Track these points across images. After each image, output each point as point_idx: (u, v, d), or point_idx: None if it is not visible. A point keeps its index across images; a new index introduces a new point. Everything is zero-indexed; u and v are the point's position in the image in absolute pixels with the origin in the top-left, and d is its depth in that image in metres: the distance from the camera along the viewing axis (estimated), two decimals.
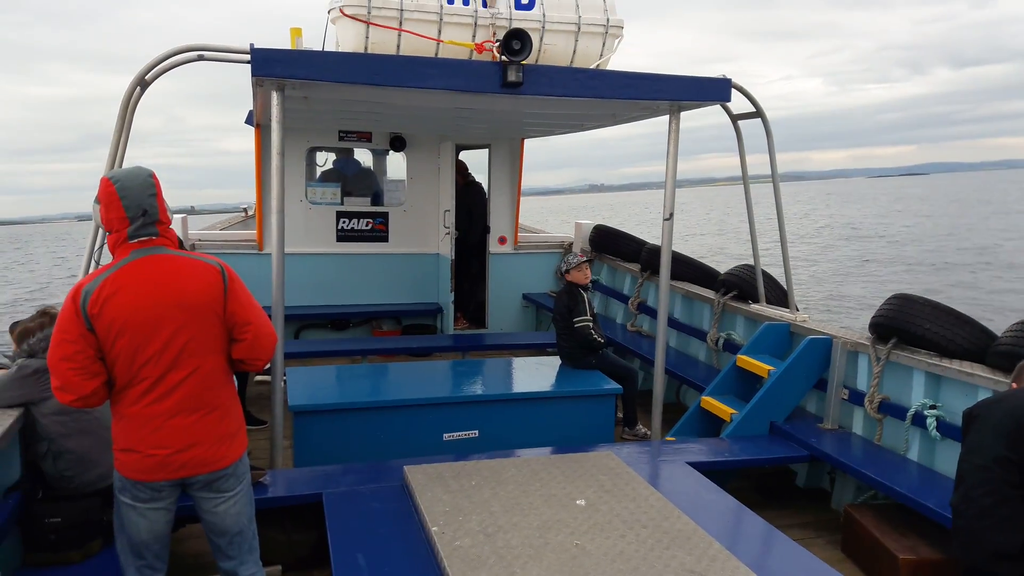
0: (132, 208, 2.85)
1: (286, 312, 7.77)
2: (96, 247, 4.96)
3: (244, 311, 3.00)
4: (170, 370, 2.84)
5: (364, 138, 8.94)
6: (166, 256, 2.92)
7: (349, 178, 9.21)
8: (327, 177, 9.27)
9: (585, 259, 6.49)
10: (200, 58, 5.09)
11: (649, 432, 6.15)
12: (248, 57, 4.31)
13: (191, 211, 6.05)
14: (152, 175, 2.93)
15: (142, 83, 5.04)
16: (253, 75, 4.31)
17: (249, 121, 8.46)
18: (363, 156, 9.64)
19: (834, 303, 20.13)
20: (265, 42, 4.76)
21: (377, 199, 9.21)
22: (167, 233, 2.97)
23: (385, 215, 9.12)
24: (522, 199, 9.72)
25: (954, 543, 1.96)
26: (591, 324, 6.22)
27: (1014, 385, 2.97)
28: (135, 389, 2.84)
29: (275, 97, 4.49)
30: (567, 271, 6.41)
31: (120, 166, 5.18)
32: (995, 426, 1.92)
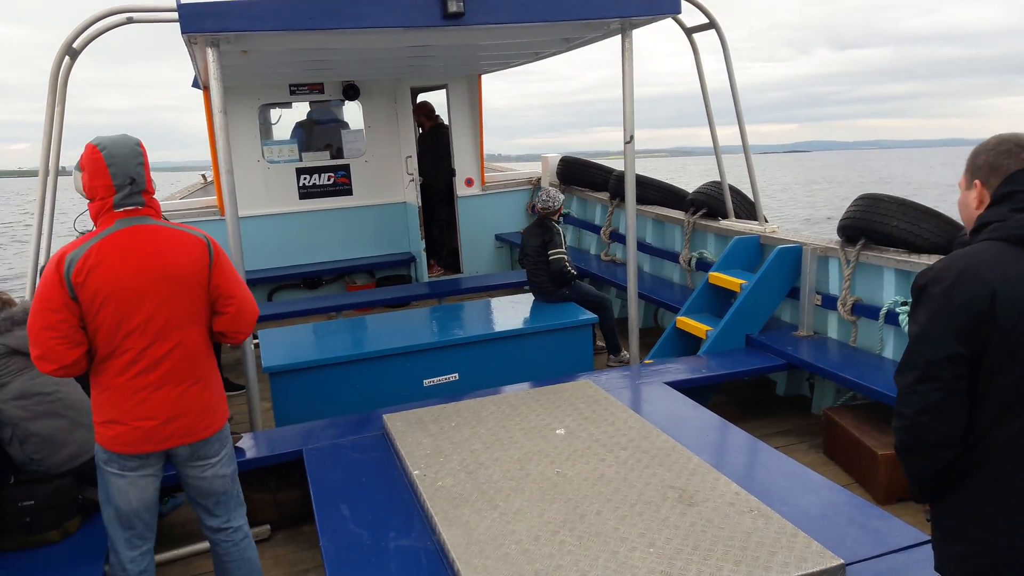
0: (120, 176, 2.78)
1: (256, 275, 7.65)
2: (48, 214, 4.83)
3: (228, 284, 2.97)
4: (155, 342, 2.82)
5: (316, 90, 8.72)
6: (152, 227, 2.86)
7: (322, 130, 8.99)
8: (305, 128, 9.05)
9: (563, 198, 6.43)
10: (129, 20, 4.91)
11: (627, 354, 6.18)
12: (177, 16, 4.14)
13: (63, 172, 5.74)
14: (139, 143, 2.86)
15: (70, 52, 4.86)
16: (183, 32, 4.16)
17: (196, 85, 8.22)
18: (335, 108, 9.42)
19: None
20: None
21: (337, 152, 9.05)
22: (152, 203, 2.90)
23: (346, 167, 8.96)
24: None
25: (893, 425, 1.95)
26: (566, 256, 6.22)
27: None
28: (119, 360, 2.81)
29: (211, 54, 4.34)
30: (553, 210, 6.30)
31: (58, 140, 5.02)
32: (948, 316, 1.84)
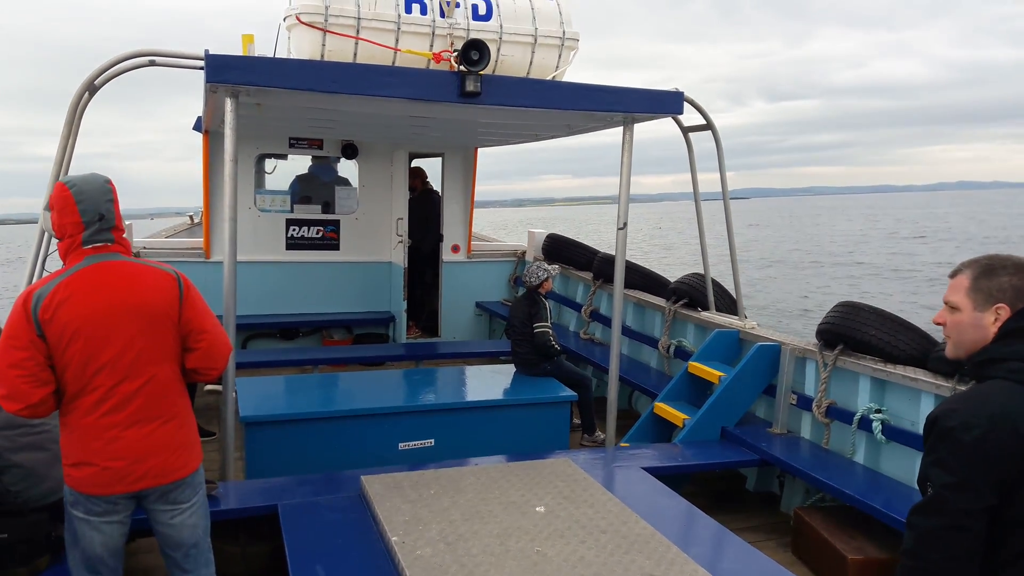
0: (89, 212, 2.80)
1: (236, 322, 7.61)
2: (42, 255, 4.83)
3: (199, 319, 2.97)
4: (125, 379, 2.79)
5: (315, 145, 8.87)
6: (121, 262, 2.87)
7: (320, 185, 9.13)
8: (304, 181, 9.18)
9: (557, 271, 6.56)
10: (152, 63, 5.02)
11: (602, 436, 6.22)
12: (201, 63, 4.25)
13: None
14: (109, 181, 2.89)
15: (91, 88, 4.94)
16: (207, 81, 4.25)
17: (197, 127, 8.33)
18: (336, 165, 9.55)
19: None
20: (202, 45, 4.71)
21: (328, 207, 9.14)
22: (121, 240, 2.92)
23: (336, 223, 9.05)
24: None
25: (905, 563, 1.91)
26: (551, 331, 6.28)
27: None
28: (87, 399, 2.77)
29: (228, 104, 4.42)
30: (540, 283, 6.40)
31: (67, 171, 5.06)
32: (986, 468, 1.81)
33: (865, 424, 4.84)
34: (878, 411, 4.81)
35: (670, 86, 5.30)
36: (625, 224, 5.67)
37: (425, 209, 9.22)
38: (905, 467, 4.61)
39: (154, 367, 2.84)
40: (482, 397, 5.79)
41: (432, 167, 9.65)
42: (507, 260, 9.93)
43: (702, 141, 6.37)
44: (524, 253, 9.87)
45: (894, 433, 4.68)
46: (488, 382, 6.26)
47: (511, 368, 6.51)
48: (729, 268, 6.58)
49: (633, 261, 7.57)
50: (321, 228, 9.02)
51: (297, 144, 8.78)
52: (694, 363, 6.02)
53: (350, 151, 8.94)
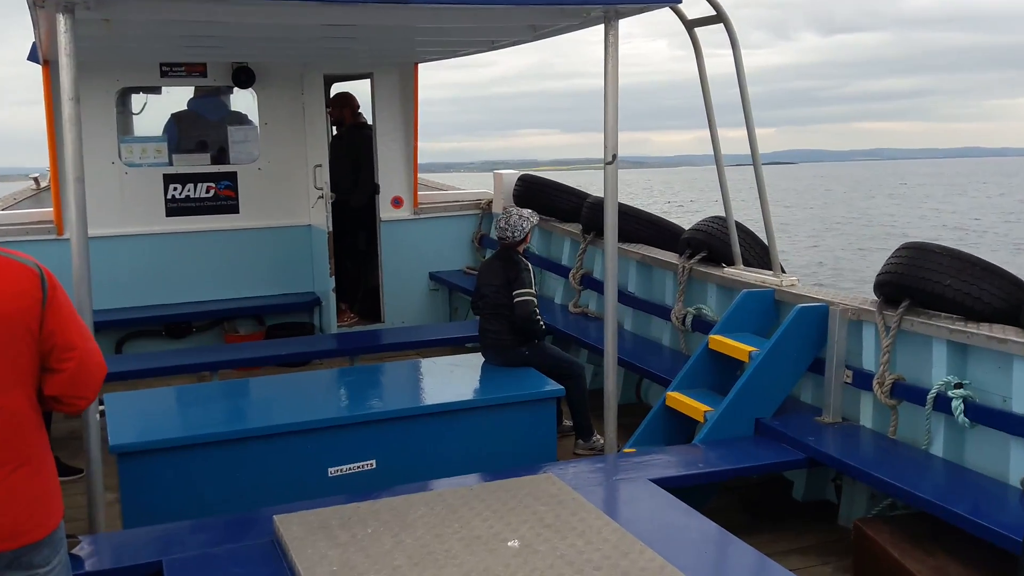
0: None
1: (102, 317, 7.60)
2: None
3: (66, 331, 2.89)
4: None
5: (196, 72, 8.71)
6: None
7: (206, 127, 9.04)
8: (184, 123, 9.04)
9: (536, 220, 6.50)
10: None
11: (600, 439, 6.24)
12: None
13: None
14: None
15: None
16: None
17: (33, 57, 8.13)
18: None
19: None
20: None
21: (221, 155, 9.00)
22: None
23: (232, 176, 8.94)
24: None
25: None
26: (535, 300, 6.27)
27: None
28: None
29: (62, 21, 4.34)
30: (523, 236, 6.34)
31: None
32: None
33: (942, 404, 4.86)
34: (959, 385, 4.83)
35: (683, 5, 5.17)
36: (615, 157, 5.62)
37: (355, 151, 9.14)
38: (996, 458, 4.63)
39: (2, 395, 2.78)
40: (440, 399, 5.76)
41: (361, 94, 9.51)
42: (468, 214, 9.88)
43: (712, 35, 6.27)
44: (490, 203, 9.82)
45: (981, 414, 4.69)
46: (448, 378, 6.25)
47: (478, 358, 6.49)
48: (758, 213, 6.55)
49: (632, 206, 7.55)
50: (212, 185, 8.89)
51: (172, 72, 8.63)
52: (716, 336, 6.00)
53: (244, 77, 8.78)
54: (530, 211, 6.55)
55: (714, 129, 6.62)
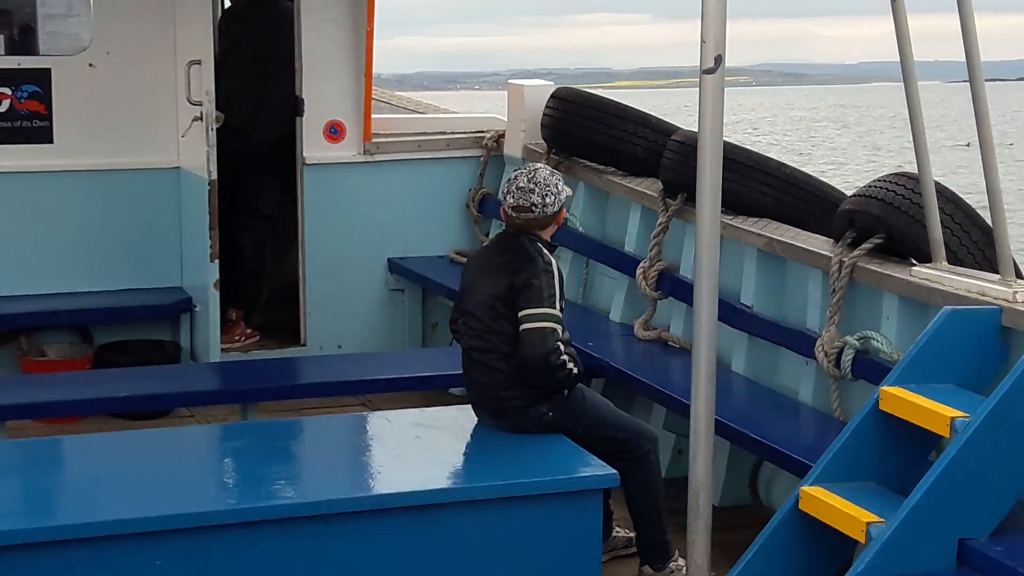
0: None
1: None
2: None
3: None
4: None
5: None
6: None
7: None
8: None
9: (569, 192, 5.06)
10: None
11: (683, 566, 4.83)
12: None
13: None
14: None
15: None
16: None
17: None
18: None
19: None
20: None
21: (23, 42, 6.87)
22: None
23: (45, 78, 6.69)
24: None
25: None
26: (560, 324, 4.73)
27: None
28: None
29: None
30: (545, 215, 4.82)
31: None
32: None
33: None
34: None
35: None
36: (719, 60, 3.92)
37: (262, 41, 6.91)
38: None
39: None
40: (398, 486, 4.42)
41: None
42: (460, 156, 7.50)
43: None
44: (501, 139, 7.41)
45: None
46: (413, 450, 4.80)
47: (467, 414, 4.97)
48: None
49: (751, 150, 5.70)
50: (6, 92, 6.61)
51: None
52: (894, 389, 4.51)
53: None
54: (555, 175, 4.93)
55: (901, 15, 4.63)
